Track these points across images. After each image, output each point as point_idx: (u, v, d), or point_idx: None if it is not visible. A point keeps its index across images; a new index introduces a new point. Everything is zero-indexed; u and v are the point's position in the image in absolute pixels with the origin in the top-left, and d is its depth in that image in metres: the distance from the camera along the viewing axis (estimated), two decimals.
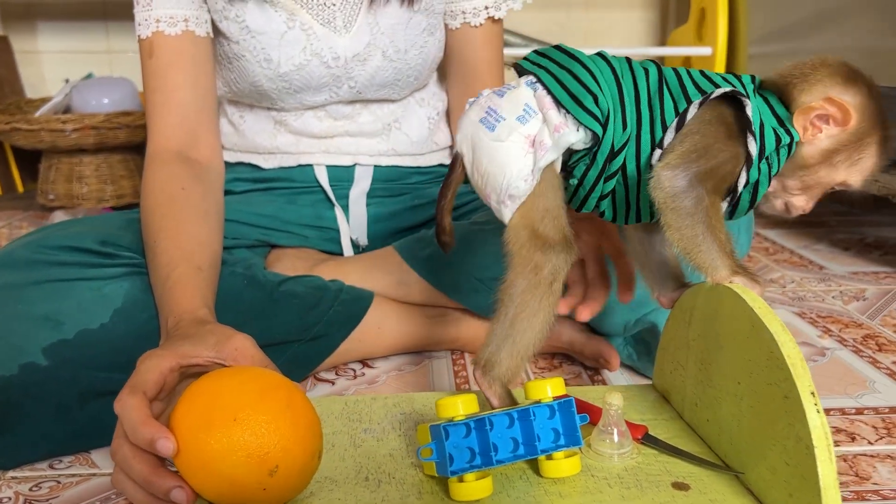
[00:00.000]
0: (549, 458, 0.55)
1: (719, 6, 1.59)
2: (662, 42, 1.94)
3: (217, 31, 0.87)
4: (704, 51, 1.62)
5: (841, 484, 0.64)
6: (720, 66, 1.60)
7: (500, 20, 0.95)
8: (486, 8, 0.92)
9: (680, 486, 0.54)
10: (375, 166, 0.96)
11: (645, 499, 0.53)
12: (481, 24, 0.93)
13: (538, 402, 0.55)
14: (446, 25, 0.94)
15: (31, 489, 0.65)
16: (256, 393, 0.50)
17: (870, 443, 0.71)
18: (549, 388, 0.55)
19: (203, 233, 0.76)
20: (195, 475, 0.48)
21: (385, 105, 0.95)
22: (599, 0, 1.91)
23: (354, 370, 0.88)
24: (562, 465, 0.54)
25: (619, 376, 0.86)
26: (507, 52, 1.82)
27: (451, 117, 1.01)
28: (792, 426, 0.48)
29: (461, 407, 0.52)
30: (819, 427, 0.47)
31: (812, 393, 0.47)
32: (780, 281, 1.20)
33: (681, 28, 1.79)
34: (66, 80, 1.90)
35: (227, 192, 0.98)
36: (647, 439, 0.60)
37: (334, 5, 0.85)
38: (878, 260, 1.32)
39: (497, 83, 0.97)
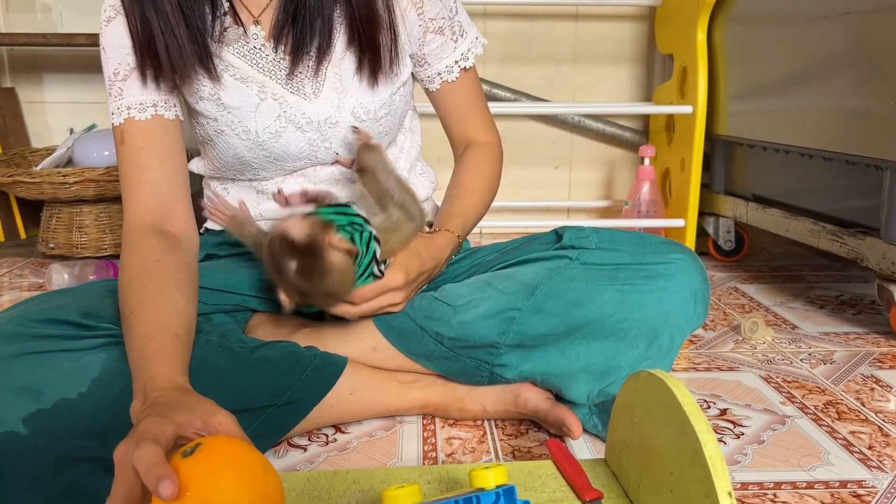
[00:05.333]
0: None
1: (699, 65, 1.64)
2: (649, 97, 1.99)
3: (195, 112, 0.93)
4: (685, 109, 1.67)
5: None
6: (700, 125, 1.65)
7: (470, 69, 1.02)
8: (456, 62, 1.00)
9: None
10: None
11: None
12: (457, 79, 1.00)
13: (482, 489, 0.58)
14: (427, 90, 1.02)
15: None
16: (222, 467, 0.54)
17: None
18: (492, 476, 0.58)
19: (179, 301, 0.79)
20: None
21: None
22: (588, 55, 1.97)
23: (327, 435, 0.91)
24: None
25: (582, 445, 0.89)
26: (499, 106, 1.87)
27: (454, 154, 1.08)
28: None
29: (406, 500, 0.56)
30: None
31: (729, 493, 0.51)
32: (753, 343, 1.23)
33: (664, 84, 1.84)
34: (71, 130, 1.96)
35: (211, 257, 1.03)
36: None
37: (302, 73, 0.91)
38: (851, 319, 1.34)
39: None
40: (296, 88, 0.91)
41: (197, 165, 1.02)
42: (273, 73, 0.91)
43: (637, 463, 0.65)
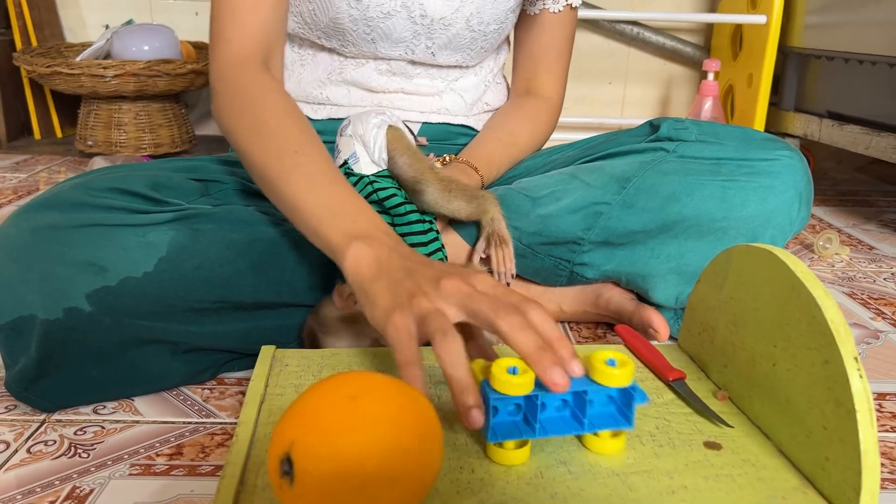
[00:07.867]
0: (596, 434, 0.53)
1: None
2: (713, 8, 1.88)
3: None
4: (759, 19, 1.56)
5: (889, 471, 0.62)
6: (774, 36, 1.54)
7: (575, 8, 0.96)
8: None
9: (712, 446, 0.54)
10: (424, 123, 0.95)
11: (678, 457, 0.53)
12: (559, 11, 0.94)
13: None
14: (524, 11, 0.96)
15: (75, 433, 0.65)
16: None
17: None
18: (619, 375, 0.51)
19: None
20: None
21: (445, 69, 0.93)
22: None
23: None
24: (606, 443, 0.53)
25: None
26: None
27: (511, 92, 1.03)
28: (832, 390, 0.47)
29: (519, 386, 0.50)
30: (861, 392, 0.46)
31: (855, 358, 0.46)
32: (829, 259, 1.17)
33: None
34: (106, 26, 1.89)
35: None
36: (679, 385, 0.60)
37: None
38: None
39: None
40: None
41: None
42: None
43: (723, 342, 0.61)
